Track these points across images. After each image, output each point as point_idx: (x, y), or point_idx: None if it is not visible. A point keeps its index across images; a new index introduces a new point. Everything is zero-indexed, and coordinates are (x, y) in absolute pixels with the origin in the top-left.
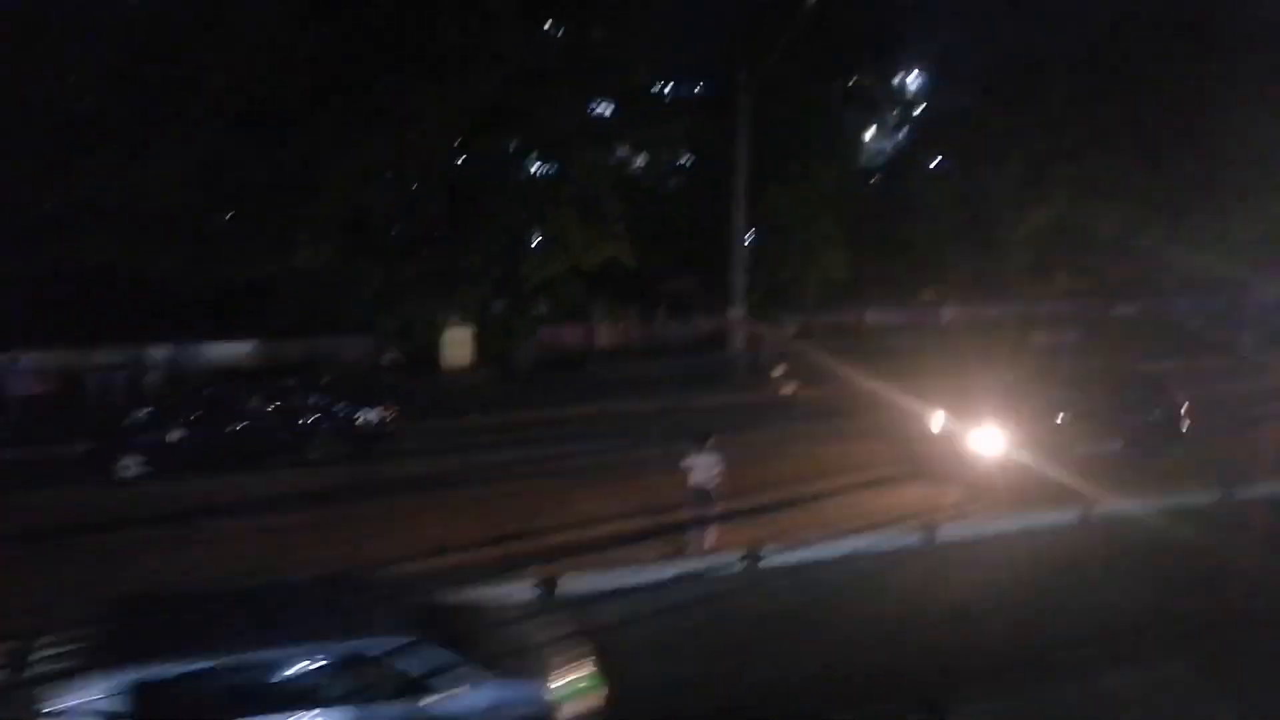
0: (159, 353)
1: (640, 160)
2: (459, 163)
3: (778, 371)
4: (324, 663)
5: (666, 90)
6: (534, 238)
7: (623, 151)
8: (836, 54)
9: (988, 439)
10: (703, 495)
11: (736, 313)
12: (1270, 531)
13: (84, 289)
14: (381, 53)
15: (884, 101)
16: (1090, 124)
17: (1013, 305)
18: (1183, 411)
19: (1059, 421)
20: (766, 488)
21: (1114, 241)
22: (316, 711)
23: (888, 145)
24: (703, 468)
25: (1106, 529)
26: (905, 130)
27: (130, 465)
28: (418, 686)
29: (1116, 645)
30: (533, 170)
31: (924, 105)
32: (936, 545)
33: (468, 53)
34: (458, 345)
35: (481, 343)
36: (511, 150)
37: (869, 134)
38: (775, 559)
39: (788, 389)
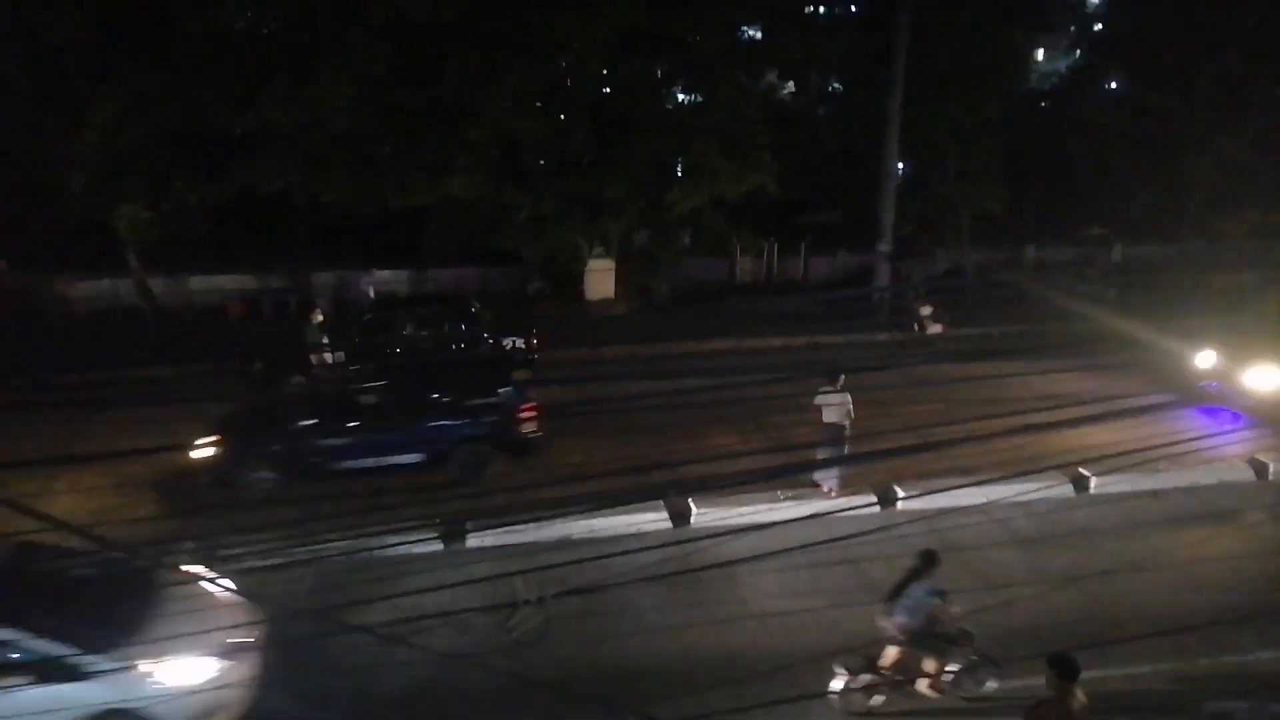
0: (324, 278)
1: (789, 86)
2: (605, 91)
3: (926, 310)
4: None
5: (819, 10)
6: (678, 167)
7: (771, 77)
8: None
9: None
10: (836, 433)
11: (884, 247)
12: None
13: (257, 215)
14: None
15: (1058, 17)
16: None
17: (1191, 244)
18: None
19: None
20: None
21: None
22: None
23: (1061, 65)
24: (835, 406)
25: None
26: (1081, 49)
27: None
28: None
29: None
30: (678, 98)
31: (1103, 21)
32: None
33: None
34: (601, 276)
35: (624, 274)
36: (657, 77)
37: (1040, 53)
38: (910, 503)
39: (935, 328)
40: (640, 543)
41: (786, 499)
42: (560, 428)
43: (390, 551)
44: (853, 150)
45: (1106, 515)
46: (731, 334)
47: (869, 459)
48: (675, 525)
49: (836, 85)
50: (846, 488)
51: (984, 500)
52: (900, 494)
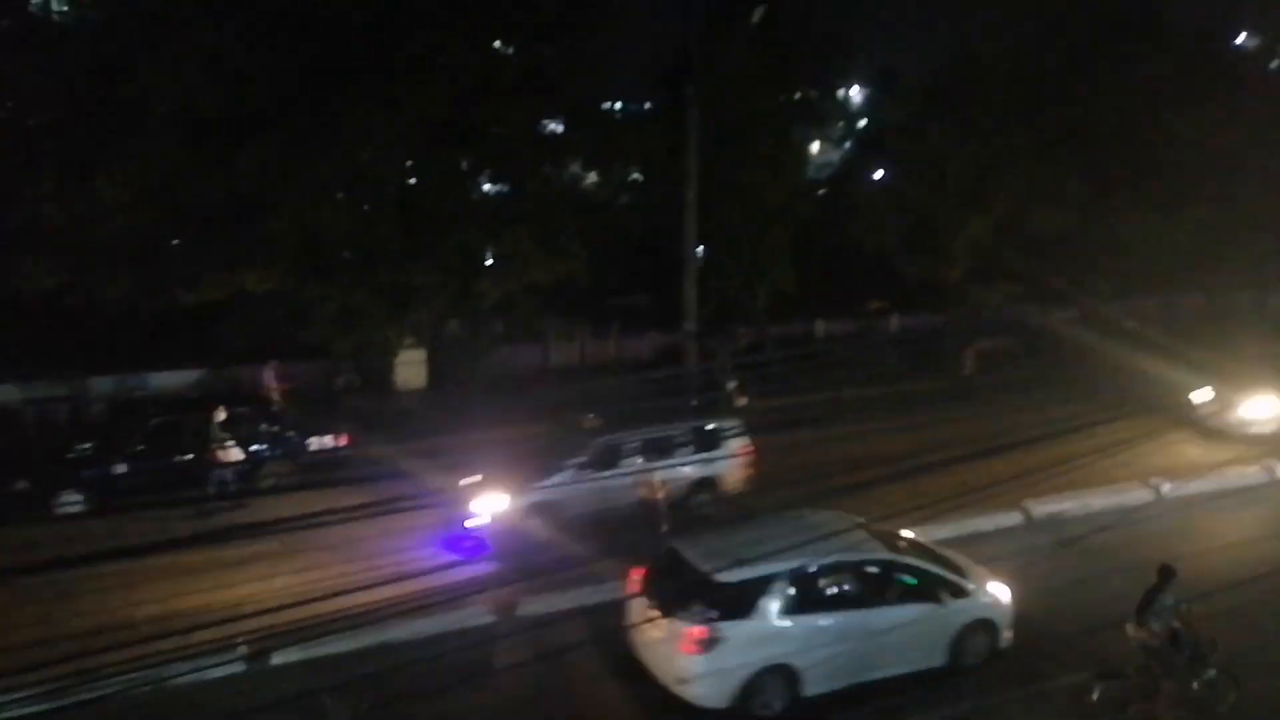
0: (102, 383)
1: (592, 176)
2: (411, 182)
3: (731, 384)
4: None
5: (617, 106)
6: (488, 256)
7: (575, 168)
8: (782, 68)
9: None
10: (655, 510)
11: (690, 326)
12: None
13: (24, 318)
14: (332, 71)
15: (829, 115)
16: (1027, 133)
17: (955, 315)
18: None
19: None
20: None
21: (1053, 246)
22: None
23: (834, 157)
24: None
25: None
26: (850, 142)
27: (71, 502)
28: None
29: None
30: (486, 188)
31: (867, 118)
32: None
33: (418, 70)
34: (412, 366)
35: (436, 364)
36: (464, 168)
37: (815, 146)
38: None
39: (741, 401)
40: (463, 640)
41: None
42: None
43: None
44: (656, 236)
45: None
46: (547, 419)
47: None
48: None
49: (638, 175)
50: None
51: None
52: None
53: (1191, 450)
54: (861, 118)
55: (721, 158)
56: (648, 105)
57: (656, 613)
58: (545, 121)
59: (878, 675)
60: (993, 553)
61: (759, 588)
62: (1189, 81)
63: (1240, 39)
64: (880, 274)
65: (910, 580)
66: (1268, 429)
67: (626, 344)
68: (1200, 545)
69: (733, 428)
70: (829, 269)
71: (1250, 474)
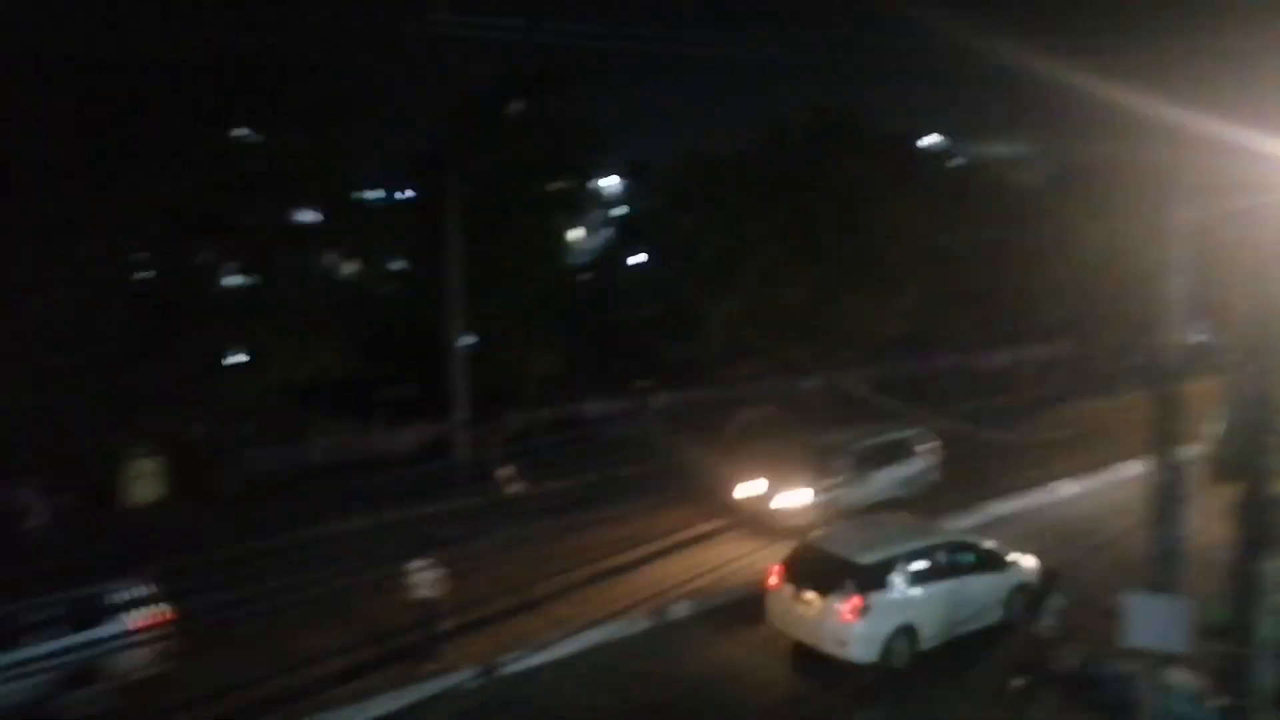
0: None
1: (351, 267)
2: (147, 274)
3: (503, 471)
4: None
5: (375, 195)
6: (234, 353)
7: (331, 259)
8: (540, 159)
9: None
10: (429, 607)
11: (461, 415)
12: None
13: None
14: (50, 156)
15: (586, 203)
16: (763, 222)
17: (716, 388)
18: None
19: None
20: (501, 593)
21: (795, 323)
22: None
23: (595, 243)
24: (425, 579)
25: None
26: (608, 230)
27: None
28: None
29: None
30: (231, 281)
31: (623, 207)
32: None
33: (148, 157)
34: (146, 478)
35: (176, 473)
36: (207, 261)
37: (577, 234)
38: (516, 665)
39: (514, 487)
40: None
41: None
42: None
43: None
44: (424, 325)
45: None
46: (307, 523)
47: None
48: None
49: (404, 264)
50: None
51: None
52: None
53: (732, 548)
54: (617, 206)
55: (485, 245)
56: (409, 193)
57: (811, 593)
58: (297, 211)
59: (963, 630)
60: None
61: (889, 566)
62: (886, 177)
63: (925, 141)
64: (646, 353)
65: (976, 557)
66: (800, 520)
67: (394, 436)
68: None
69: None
70: (597, 350)
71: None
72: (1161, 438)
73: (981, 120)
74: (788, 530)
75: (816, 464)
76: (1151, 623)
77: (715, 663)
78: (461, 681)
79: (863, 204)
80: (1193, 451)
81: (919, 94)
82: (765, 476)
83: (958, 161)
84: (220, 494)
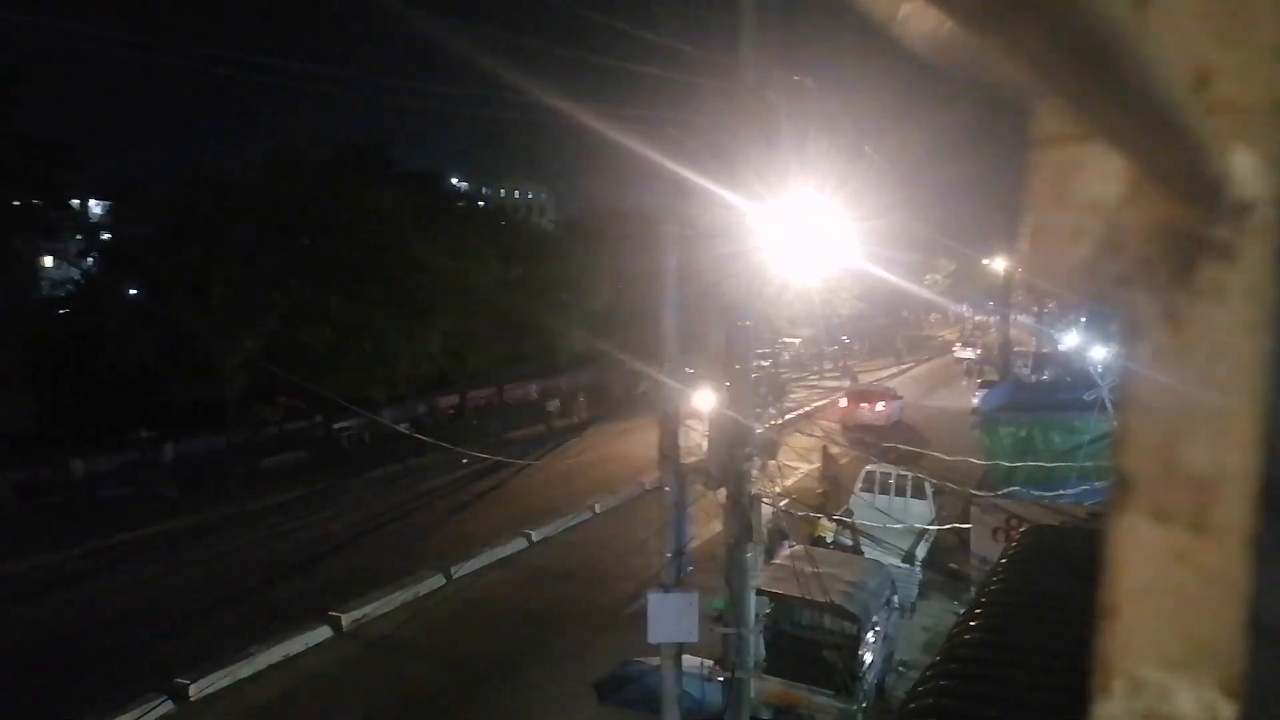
0: None
1: None
2: None
3: None
4: None
5: None
6: None
7: None
8: None
9: None
10: None
11: None
12: None
13: None
14: None
15: (60, 226)
16: (285, 252)
17: (240, 432)
18: None
19: None
20: None
21: (327, 360)
22: None
23: (75, 273)
24: None
25: None
26: (93, 258)
27: None
28: None
29: None
30: None
31: (110, 233)
32: None
33: None
34: None
35: None
36: None
37: (48, 261)
38: None
39: None
40: None
41: None
42: None
43: None
44: None
45: None
46: None
47: None
48: None
49: None
50: None
51: None
52: None
53: None
54: (102, 232)
55: None
56: None
57: None
58: None
59: None
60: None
61: None
62: (415, 213)
63: (453, 181)
64: (148, 398)
65: None
66: None
67: None
68: None
69: None
70: (83, 399)
71: None
72: (666, 455)
73: (504, 164)
74: None
75: None
76: (669, 618)
77: None
78: None
79: (394, 239)
80: (690, 463)
81: (443, 135)
82: None
83: (484, 204)
84: None
